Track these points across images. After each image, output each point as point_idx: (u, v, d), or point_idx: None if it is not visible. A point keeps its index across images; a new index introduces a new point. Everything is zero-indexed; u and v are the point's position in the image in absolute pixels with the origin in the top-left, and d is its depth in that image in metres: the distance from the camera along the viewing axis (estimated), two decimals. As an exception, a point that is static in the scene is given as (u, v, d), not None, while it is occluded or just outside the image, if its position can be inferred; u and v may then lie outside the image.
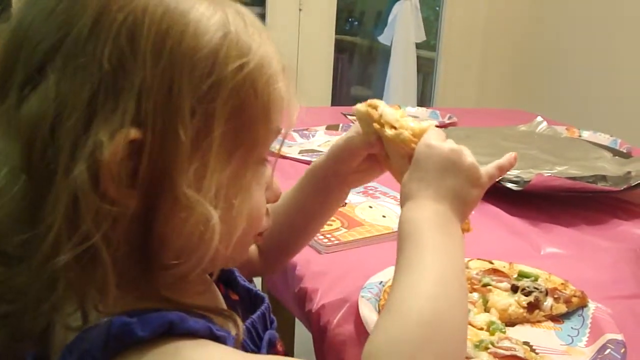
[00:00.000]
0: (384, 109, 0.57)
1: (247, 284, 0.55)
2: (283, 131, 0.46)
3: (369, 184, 1.04)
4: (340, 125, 1.51)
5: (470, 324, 0.62)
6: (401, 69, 2.95)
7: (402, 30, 3.01)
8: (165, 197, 0.39)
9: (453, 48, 2.98)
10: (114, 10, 0.37)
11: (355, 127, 0.62)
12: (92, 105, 0.37)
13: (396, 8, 3.08)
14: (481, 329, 0.62)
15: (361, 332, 0.62)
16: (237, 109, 0.41)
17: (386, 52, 3.21)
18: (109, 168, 0.37)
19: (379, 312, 0.64)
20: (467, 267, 0.74)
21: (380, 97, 2.95)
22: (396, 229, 0.87)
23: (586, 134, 1.53)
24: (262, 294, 0.55)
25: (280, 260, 0.72)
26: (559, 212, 1.02)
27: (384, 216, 0.92)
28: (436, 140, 0.53)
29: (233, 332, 0.44)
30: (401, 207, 0.52)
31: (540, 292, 0.68)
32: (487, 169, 0.54)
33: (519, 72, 2.99)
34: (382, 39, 3.23)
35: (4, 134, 0.39)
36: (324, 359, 0.63)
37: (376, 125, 0.57)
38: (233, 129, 0.41)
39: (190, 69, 0.38)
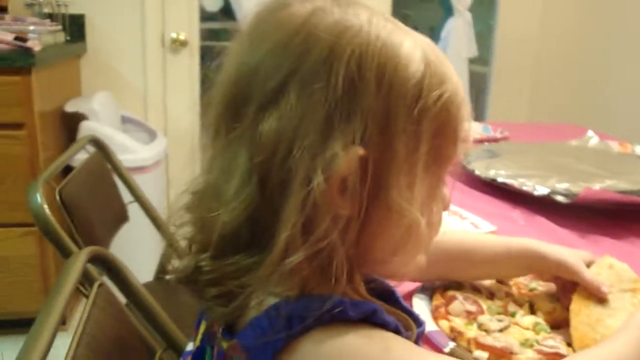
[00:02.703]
0: None
1: (407, 305, 0.58)
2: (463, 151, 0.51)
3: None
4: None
5: (516, 324, 0.67)
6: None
7: (455, 46, 3.03)
8: (380, 205, 0.46)
9: (506, 62, 2.98)
10: (343, 44, 0.44)
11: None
12: (328, 125, 0.43)
13: (449, 24, 3.11)
14: (527, 329, 0.66)
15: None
16: (437, 130, 0.47)
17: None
18: (341, 178, 0.43)
19: (431, 311, 0.69)
20: (515, 274, 0.79)
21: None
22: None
23: (639, 149, 1.53)
24: (421, 319, 0.58)
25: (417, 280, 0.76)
26: (608, 225, 1.05)
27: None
28: None
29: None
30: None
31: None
32: None
33: (572, 87, 2.98)
34: (435, 53, 3.25)
35: (237, 149, 0.46)
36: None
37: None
38: (433, 147, 0.47)
39: (404, 96, 0.45)
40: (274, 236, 0.44)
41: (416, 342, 0.53)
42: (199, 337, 0.55)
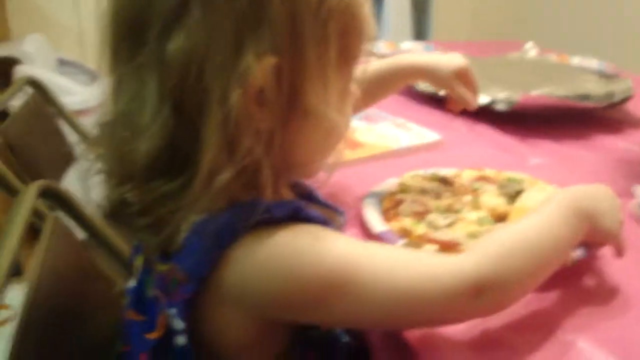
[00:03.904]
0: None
1: (326, 201, 0.61)
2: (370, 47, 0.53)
3: (367, 111, 1.11)
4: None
5: (463, 220, 0.70)
6: (395, 5, 2.97)
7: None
8: (299, 111, 0.47)
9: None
10: None
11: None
12: (238, 37, 0.43)
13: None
14: (472, 223, 0.70)
15: (366, 231, 0.70)
16: (344, 29, 0.48)
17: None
18: (258, 90, 0.44)
19: (381, 214, 0.72)
20: (459, 176, 0.83)
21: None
22: (395, 147, 0.96)
23: (576, 60, 1.58)
24: (340, 209, 0.62)
25: None
26: (546, 129, 1.10)
27: (383, 137, 1.00)
28: None
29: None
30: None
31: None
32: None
33: (513, 3, 3.01)
34: (376, -23, 3.22)
35: (145, 75, 0.45)
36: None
37: None
38: (342, 47, 0.49)
39: (308, 0, 0.45)
40: (197, 158, 0.44)
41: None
42: (138, 270, 0.56)
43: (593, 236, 0.59)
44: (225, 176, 0.44)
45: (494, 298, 0.50)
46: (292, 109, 0.47)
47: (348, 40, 0.49)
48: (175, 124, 0.45)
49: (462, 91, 0.82)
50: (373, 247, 0.50)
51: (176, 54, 0.43)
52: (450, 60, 0.83)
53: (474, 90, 0.83)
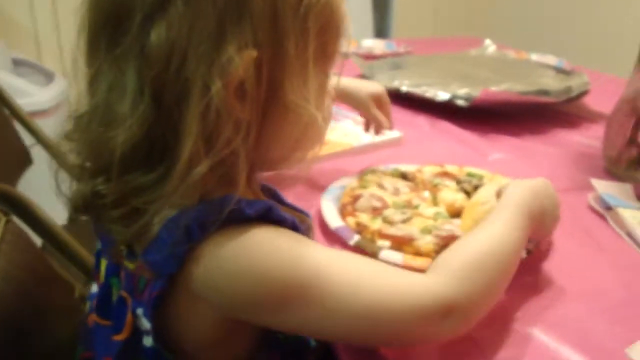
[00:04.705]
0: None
1: (291, 203, 0.61)
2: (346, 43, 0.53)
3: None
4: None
5: (420, 215, 0.71)
6: (357, 2, 2.97)
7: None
8: (278, 106, 0.48)
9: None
10: None
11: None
12: (220, 30, 0.43)
13: (350, -57, 3.07)
14: (429, 218, 0.70)
15: (324, 226, 0.70)
16: (323, 26, 0.48)
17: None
18: (239, 82, 0.44)
19: (339, 210, 0.72)
20: (421, 172, 0.83)
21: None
22: (356, 145, 0.95)
23: (534, 57, 1.61)
24: (307, 212, 0.61)
25: None
26: (505, 124, 1.11)
27: (345, 135, 1.00)
28: None
29: None
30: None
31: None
32: None
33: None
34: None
35: (124, 65, 0.44)
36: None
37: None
38: (321, 43, 0.49)
39: None
40: (175, 150, 0.44)
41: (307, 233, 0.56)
42: (102, 274, 0.55)
43: (536, 234, 0.61)
44: (202, 168, 0.43)
45: (463, 317, 0.49)
46: (271, 103, 0.47)
47: (327, 36, 0.49)
48: (154, 114, 0.44)
49: (377, 114, 0.87)
50: (344, 257, 0.49)
51: (158, 45, 0.43)
52: (369, 86, 0.89)
53: (387, 115, 0.90)
